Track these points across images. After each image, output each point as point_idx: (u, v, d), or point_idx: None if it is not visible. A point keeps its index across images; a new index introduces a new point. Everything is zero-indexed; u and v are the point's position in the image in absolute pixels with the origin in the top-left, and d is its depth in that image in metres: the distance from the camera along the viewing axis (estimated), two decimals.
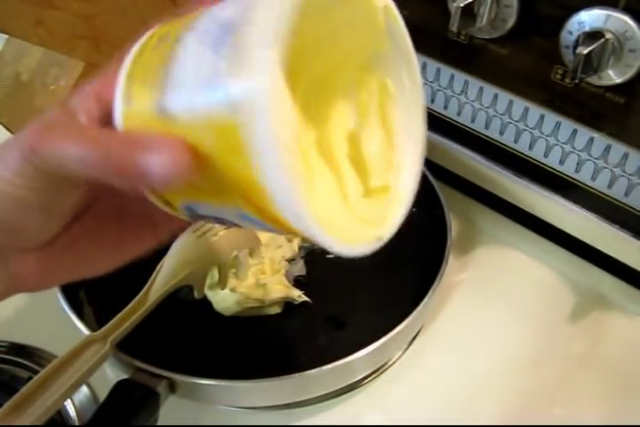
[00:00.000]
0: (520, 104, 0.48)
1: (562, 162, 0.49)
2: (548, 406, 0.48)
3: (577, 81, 0.40)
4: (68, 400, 0.48)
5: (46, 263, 0.28)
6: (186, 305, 0.48)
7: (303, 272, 0.53)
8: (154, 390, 0.40)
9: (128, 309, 0.41)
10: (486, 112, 0.51)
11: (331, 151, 0.26)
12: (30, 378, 0.40)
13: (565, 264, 0.58)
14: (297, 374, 0.41)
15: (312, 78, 0.25)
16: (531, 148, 0.50)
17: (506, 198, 0.56)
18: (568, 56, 0.42)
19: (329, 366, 0.41)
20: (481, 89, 0.50)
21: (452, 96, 0.53)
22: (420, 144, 0.29)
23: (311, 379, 0.43)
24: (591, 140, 0.46)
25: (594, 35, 0.39)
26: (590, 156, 0.47)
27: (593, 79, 0.41)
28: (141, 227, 0.30)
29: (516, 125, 0.50)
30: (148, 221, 0.30)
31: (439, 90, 0.54)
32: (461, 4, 0.42)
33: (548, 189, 0.51)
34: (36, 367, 0.49)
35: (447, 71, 0.52)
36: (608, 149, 0.45)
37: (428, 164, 0.56)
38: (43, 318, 0.52)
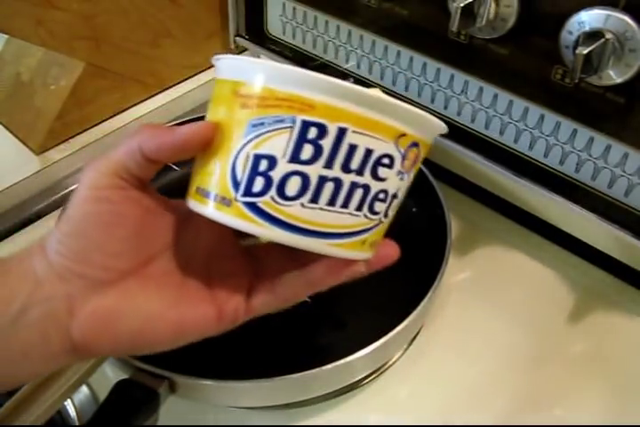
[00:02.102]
0: (520, 104, 0.48)
1: (562, 162, 0.49)
2: (548, 406, 0.48)
3: (577, 81, 0.40)
4: (68, 400, 0.48)
5: (105, 310, 0.28)
6: None
7: None
8: (154, 390, 0.40)
9: None
10: (486, 112, 0.51)
11: None
12: None
13: (565, 264, 0.58)
14: (297, 374, 0.41)
15: None
16: (531, 148, 0.50)
17: (506, 198, 0.56)
18: (568, 56, 0.42)
19: (329, 366, 0.41)
20: (481, 89, 0.50)
21: (452, 96, 0.53)
22: None
23: (311, 379, 0.43)
24: (591, 140, 0.46)
25: (594, 35, 0.39)
26: (590, 156, 0.47)
27: (593, 79, 0.41)
28: (201, 298, 0.30)
29: (515, 125, 0.50)
30: (208, 294, 0.30)
31: (439, 90, 0.54)
32: (461, 4, 0.42)
33: (547, 189, 0.51)
34: None
35: (447, 71, 0.52)
36: (608, 149, 0.45)
37: (428, 164, 0.56)
38: None
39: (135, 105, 0.69)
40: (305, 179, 0.26)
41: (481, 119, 0.52)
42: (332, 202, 0.26)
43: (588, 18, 0.39)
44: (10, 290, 0.27)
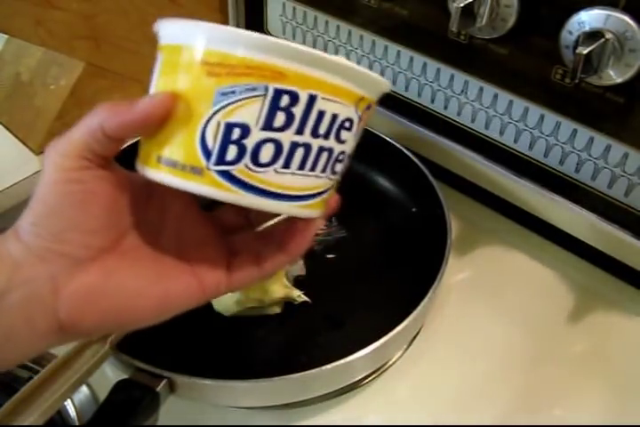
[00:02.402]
0: (520, 104, 0.48)
1: (562, 162, 0.49)
2: (548, 406, 0.48)
3: (577, 81, 0.40)
4: (68, 400, 0.48)
5: (89, 288, 0.28)
6: None
7: (303, 272, 0.53)
8: (154, 390, 0.40)
9: None
10: (486, 112, 0.51)
11: None
12: (30, 378, 0.40)
13: (565, 264, 0.58)
14: (297, 374, 0.41)
15: None
16: (531, 148, 0.50)
17: (506, 198, 0.56)
18: (568, 56, 0.42)
19: (329, 366, 0.41)
20: (481, 89, 0.50)
21: (452, 96, 0.53)
22: None
23: (311, 379, 0.43)
24: (591, 140, 0.46)
25: (594, 35, 0.39)
26: (590, 156, 0.47)
27: (593, 79, 0.41)
28: (180, 270, 0.31)
29: (515, 125, 0.50)
30: (187, 267, 0.31)
31: (439, 90, 0.54)
32: (461, 4, 0.42)
33: (547, 189, 0.51)
34: (36, 367, 0.49)
35: (447, 71, 0.52)
36: (608, 149, 0.45)
37: (428, 164, 0.56)
38: None
39: None
40: (278, 145, 0.27)
41: (481, 119, 0.52)
42: (302, 166, 0.27)
43: (588, 18, 0.39)
44: None
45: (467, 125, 0.54)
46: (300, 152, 0.27)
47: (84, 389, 0.49)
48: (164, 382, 0.41)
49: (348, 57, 0.59)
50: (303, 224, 0.31)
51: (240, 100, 0.26)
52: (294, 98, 0.26)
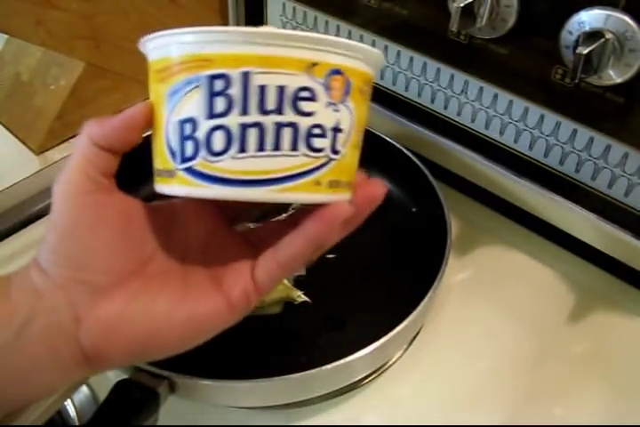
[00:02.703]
0: (520, 104, 0.48)
1: (562, 162, 0.49)
2: (548, 406, 0.48)
3: (577, 81, 0.40)
4: (68, 400, 0.48)
5: (112, 315, 0.28)
6: None
7: (303, 272, 0.53)
8: (154, 390, 0.40)
9: None
10: (486, 112, 0.51)
11: None
12: None
13: (565, 264, 0.58)
14: (297, 374, 0.41)
15: None
16: (531, 148, 0.50)
17: (506, 198, 0.56)
18: (568, 56, 0.42)
19: (329, 366, 0.41)
20: (481, 89, 0.50)
21: (452, 96, 0.53)
22: None
23: (311, 379, 0.43)
24: (591, 140, 0.46)
25: (594, 35, 0.39)
26: (590, 156, 0.47)
27: (593, 79, 0.41)
28: (207, 290, 0.30)
29: (515, 125, 0.50)
30: (214, 286, 0.30)
31: (439, 90, 0.54)
32: (461, 4, 0.42)
33: (547, 189, 0.51)
34: None
35: (447, 71, 0.52)
36: (608, 149, 0.45)
37: (428, 164, 0.56)
38: None
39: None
40: (227, 131, 0.26)
41: (481, 119, 0.52)
42: (260, 147, 0.26)
43: (588, 18, 0.39)
44: (12, 305, 0.27)
45: (467, 125, 0.54)
46: (253, 133, 0.26)
47: (84, 389, 0.49)
48: (164, 382, 0.41)
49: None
50: (323, 209, 0.28)
51: (182, 96, 0.27)
52: (227, 80, 0.26)
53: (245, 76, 0.26)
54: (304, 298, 0.51)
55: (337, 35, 0.58)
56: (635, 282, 0.55)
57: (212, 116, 0.26)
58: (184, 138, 0.27)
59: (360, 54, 0.28)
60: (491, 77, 0.49)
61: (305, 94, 0.26)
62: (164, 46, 0.27)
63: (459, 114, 0.54)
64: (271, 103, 0.26)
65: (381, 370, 0.50)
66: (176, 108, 0.27)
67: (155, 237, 0.30)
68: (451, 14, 0.43)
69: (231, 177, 0.26)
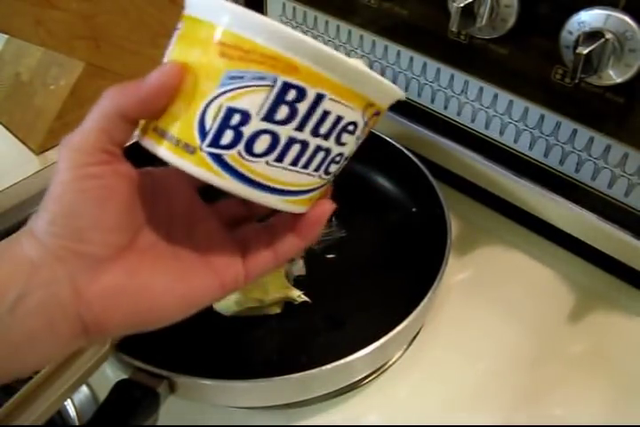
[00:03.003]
0: (520, 104, 0.48)
1: (562, 162, 0.49)
2: (548, 406, 0.48)
3: (577, 81, 0.40)
4: (68, 400, 0.48)
5: (112, 288, 0.28)
6: None
7: (303, 272, 0.53)
8: (154, 390, 0.40)
9: None
10: (486, 112, 0.51)
11: None
12: (30, 378, 0.40)
13: (565, 264, 0.58)
14: (297, 374, 0.41)
15: None
16: (531, 148, 0.50)
17: (506, 198, 0.56)
18: (568, 56, 0.42)
19: (329, 366, 0.41)
20: (481, 89, 0.50)
21: (452, 96, 0.53)
22: None
23: (311, 379, 0.43)
24: (591, 140, 0.46)
25: (594, 35, 0.39)
26: (590, 156, 0.47)
27: (593, 79, 0.41)
28: (199, 266, 0.31)
29: (515, 125, 0.50)
30: (204, 262, 0.31)
31: (439, 90, 0.54)
32: (461, 4, 0.42)
33: (547, 189, 0.51)
34: None
35: (447, 71, 0.52)
36: (608, 149, 0.45)
37: (428, 164, 0.56)
38: None
39: None
40: (275, 138, 0.26)
41: (481, 119, 0.52)
42: (295, 162, 0.27)
43: (588, 18, 0.39)
44: (3, 277, 0.26)
45: (467, 125, 0.54)
46: (295, 148, 0.27)
47: (84, 389, 0.49)
48: (164, 382, 0.41)
49: (348, 57, 0.59)
50: (314, 210, 0.31)
51: (247, 86, 0.26)
52: (302, 94, 0.26)
53: (319, 98, 0.26)
54: (304, 298, 0.51)
55: (337, 35, 0.58)
56: (635, 282, 0.55)
57: (269, 119, 0.26)
58: (226, 125, 0.26)
59: (395, 99, 0.30)
60: (491, 77, 0.49)
61: (350, 128, 0.28)
62: (252, 28, 0.25)
63: (459, 114, 0.54)
64: (324, 128, 0.27)
65: (381, 370, 0.50)
66: (232, 93, 0.26)
67: (143, 209, 0.30)
68: (451, 14, 0.43)
69: (255, 179, 0.27)
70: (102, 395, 0.40)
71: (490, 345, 0.52)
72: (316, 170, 0.28)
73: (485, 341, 0.52)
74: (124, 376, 0.42)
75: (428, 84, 0.54)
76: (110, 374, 0.48)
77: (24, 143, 0.67)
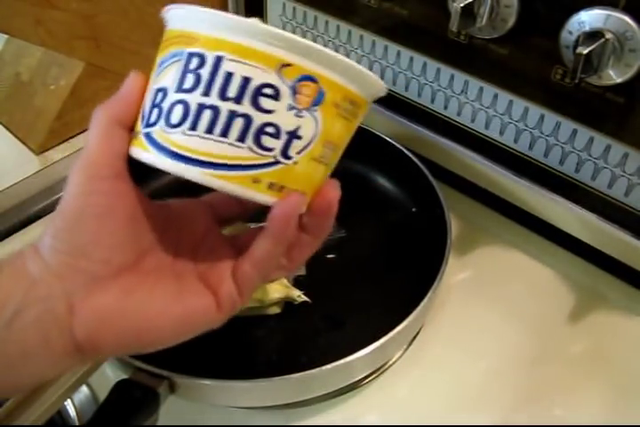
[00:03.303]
0: (520, 104, 0.48)
1: (562, 162, 0.49)
2: (548, 406, 0.48)
3: (577, 81, 0.40)
4: (68, 400, 0.48)
5: (106, 307, 0.28)
6: None
7: (303, 272, 0.53)
8: (154, 390, 0.40)
9: None
10: (486, 112, 0.51)
11: None
12: None
13: (565, 264, 0.58)
14: (297, 374, 0.41)
15: None
16: (531, 148, 0.50)
17: (506, 198, 0.56)
18: (568, 56, 0.42)
19: (329, 366, 0.41)
20: (481, 89, 0.50)
21: (452, 96, 0.53)
22: None
23: (311, 379, 0.43)
24: (591, 140, 0.46)
25: (594, 35, 0.39)
26: (590, 156, 0.47)
27: (593, 79, 0.41)
28: (198, 289, 0.30)
29: (515, 125, 0.50)
30: (203, 285, 0.30)
31: (439, 90, 0.54)
32: (461, 4, 0.42)
33: (547, 189, 0.51)
34: None
35: (447, 71, 0.52)
36: (608, 149, 0.45)
37: (428, 164, 0.56)
38: None
39: None
40: (186, 107, 0.27)
41: (481, 119, 0.52)
42: (210, 130, 0.27)
43: (588, 18, 0.39)
44: (2, 292, 0.27)
45: (467, 125, 0.54)
46: (206, 114, 0.27)
47: (84, 389, 0.49)
48: (164, 382, 0.41)
49: (348, 57, 0.59)
50: (279, 206, 0.28)
51: (166, 66, 0.28)
52: (202, 60, 0.27)
53: (218, 60, 0.27)
54: (304, 298, 0.51)
55: (337, 35, 0.58)
56: (635, 282, 0.55)
57: (180, 90, 0.27)
58: (154, 105, 0.28)
59: (343, 70, 0.28)
60: (491, 77, 0.49)
61: (268, 91, 0.27)
62: (173, 19, 0.29)
63: (459, 114, 0.54)
64: (232, 91, 0.27)
65: (381, 370, 0.50)
66: (158, 76, 0.29)
67: (152, 234, 0.31)
68: (451, 14, 0.43)
69: (175, 150, 0.27)
70: (102, 395, 0.40)
71: (490, 345, 0.52)
72: (240, 140, 0.27)
73: (485, 341, 0.52)
74: (124, 376, 0.42)
75: (428, 84, 0.54)
76: (110, 374, 0.48)
77: (24, 143, 0.67)
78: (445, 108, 0.54)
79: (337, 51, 0.60)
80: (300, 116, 0.27)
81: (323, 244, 0.56)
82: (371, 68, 0.58)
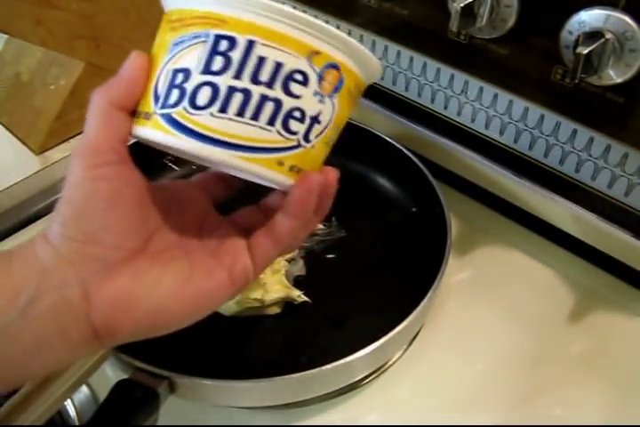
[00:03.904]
0: (520, 104, 0.48)
1: (562, 162, 0.49)
2: (548, 406, 0.48)
3: (577, 81, 0.40)
4: (68, 400, 0.48)
5: (122, 292, 0.28)
6: None
7: (303, 272, 0.53)
8: (154, 390, 0.40)
9: None
10: (486, 112, 0.51)
11: None
12: None
13: (565, 264, 0.58)
14: (297, 374, 0.41)
15: None
16: (531, 148, 0.50)
17: (506, 198, 0.56)
18: (568, 56, 0.42)
19: (329, 366, 0.41)
20: (481, 89, 0.50)
21: (452, 96, 0.53)
22: None
23: (311, 379, 0.43)
24: (591, 140, 0.46)
25: (594, 35, 0.39)
26: (590, 156, 0.47)
27: (593, 79, 0.41)
28: (209, 267, 0.30)
29: (515, 125, 0.50)
30: (215, 262, 0.31)
31: (439, 90, 0.54)
32: (461, 4, 0.42)
33: (547, 189, 0.51)
34: None
35: (447, 71, 0.52)
36: (608, 149, 0.45)
37: (428, 164, 0.56)
38: None
39: None
40: (215, 89, 0.27)
41: (481, 119, 0.52)
42: (240, 113, 0.27)
43: (588, 18, 0.39)
44: (15, 280, 0.27)
45: (467, 125, 0.54)
46: (237, 97, 0.27)
47: (84, 389, 0.49)
48: (164, 382, 0.41)
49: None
50: (299, 184, 0.29)
51: (186, 47, 0.27)
52: (232, 42, 0.27)
53: (250, 44, 0.27)
54: (304, 298, 0.51)
55: None
56: (635, 282, 0.55)
57: (206, 71, 0.27)
58: (173, 85, 0.28)
59: (361, 59, 0.29)
60: (491, 77, 0.49)
61: (298, 77, 0.27)
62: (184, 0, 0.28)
63: (459, 114, 0.54)
64: (264, 76, 0.27)
65: (381, 370, 0.50)
66: (175, 57, 0.28)
67: (158, 216, 0.31)
68: (451, 14, 0.43)
69: (202, 132, 0.27)
70: (102, 395, 0.40)
71: (490, 345, 0.52)
72: (270, 123, 0.28)
73: (485, 341, 0.52)
74: (124, 376, 0.42)
75: (428, 84, 0.54)
76: (110, 374, 0.48)
77: (24, 143, 0.67)
78: (445, 108, 0.54)
79: None
80: (322, 102, 0.29)
81: (323, 244, 0.56)
82: None
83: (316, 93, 0.28)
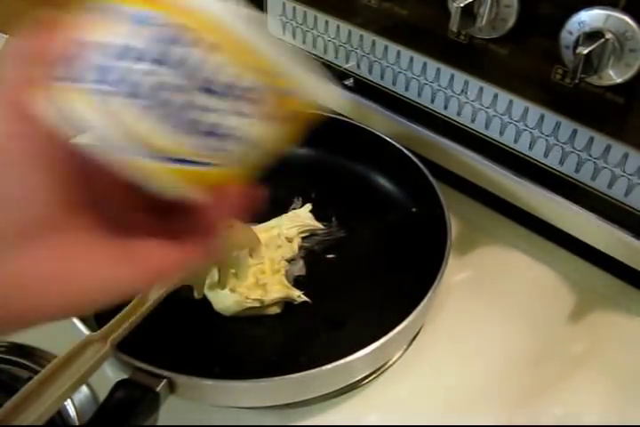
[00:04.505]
0: (520, 104, 0.48)
1: (562, 162, 0.49)
2: (549, 405, 0.48)
3: (577, 81, 0.40)
4: (68, 400, 0.48)
5: (24, 272, 0.24)
6: (186, 305, 0.48)
7: (303, 272, 0.53)
8: (154, 390, 0.40)
9: (128, 308, 0.41)
10: (486, 112, 0.51)
11: None
12: (30, 378, 0.40)
13: (565, 264, 0.58)
14: (297, 374, 0.41)
15: None
16: (531, 148, 0.50)
17: (506, 198, 0.56)
18: (568, 56, 0.42)
19: (329, 366, 0.41)
20: (481, 89, 0.50)
21: (452, 96, 0.53)
22: None
23: (311, 379, 0.43)
24: (591, 140, 0.46)
25: (594, 35, 0.39)
26: (590, 156, 0.47)
27: (593, 79, 0.41)
28: (128, 255, 0.28)
29: (515, 125, 0.50)
30: (132, 252, 0.28)
31: (439, 90, 0.54)
32: (461, 4, 0.42)
33: (547, 189, 0.51)
34: (36, 367, 0.49)
35: (447, 71, 0.52)
36: (608, 149, 0.45)
37: (428, 164, 0.56)
38: None
39: None
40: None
41: (481, 119, 0.52)
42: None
43: (588, 18, 0.39)
44: None
45: (467, 125, 0.54)
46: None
47: (84, 389, 0.49)
48: (163, 382, 0.41)
49: (347, 57, 0.59)
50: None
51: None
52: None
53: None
54: (304, 298, 0.51)
55: (337, 35, 0.58)
56: (635, 282, 0.55)
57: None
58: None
59: (303, 83, 0.27)
60: (491, 77, 0.49)
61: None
62: None
63: (459, 114, 0.54)
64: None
65: (381, 370, 0.50)
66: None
67: (75, 190, 0.26)
68: (451, 14, 0.43)
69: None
70: (102, 395, 0.40)
71: (490, 345, 0.52)
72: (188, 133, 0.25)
73: (485, 341, 0.52)
74: (124, 376, 0.42)
75: (428, 84, 0.54)
76: (110, 374, 0.48)
77: None
78: (445, 108, 0.54)
79: (337, 51, 0.60)
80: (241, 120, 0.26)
81: (323, 244, 0.56)
82: (371, 68, 0.58)
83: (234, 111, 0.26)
